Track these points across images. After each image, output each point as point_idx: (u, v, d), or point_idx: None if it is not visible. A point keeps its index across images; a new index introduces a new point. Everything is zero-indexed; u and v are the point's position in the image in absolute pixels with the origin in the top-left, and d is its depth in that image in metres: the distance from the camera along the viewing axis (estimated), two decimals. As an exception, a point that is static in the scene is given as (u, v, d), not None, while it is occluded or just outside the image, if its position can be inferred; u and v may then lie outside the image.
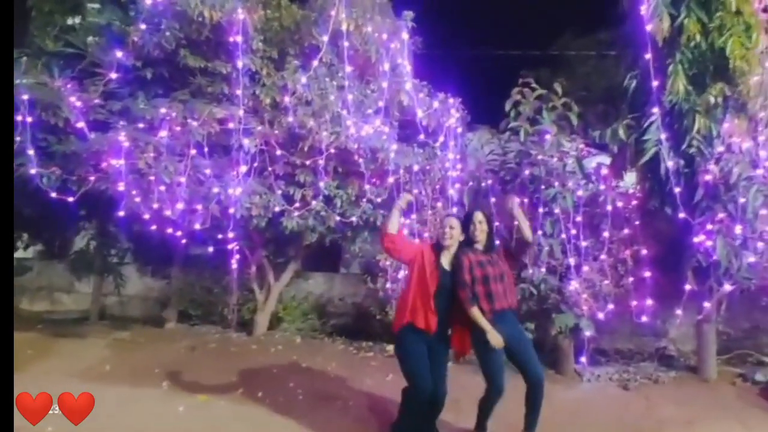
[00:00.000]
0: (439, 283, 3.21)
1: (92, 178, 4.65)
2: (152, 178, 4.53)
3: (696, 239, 4.52)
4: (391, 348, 5.49)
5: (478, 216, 3.38)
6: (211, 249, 5.11)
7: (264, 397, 4.07)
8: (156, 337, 5.75)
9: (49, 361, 4.90)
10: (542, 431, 3.60)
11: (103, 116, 4.96)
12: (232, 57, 4.97)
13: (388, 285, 5.55)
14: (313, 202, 5.00)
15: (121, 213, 4.55)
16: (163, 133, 4.63)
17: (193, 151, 4.57)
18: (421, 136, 5.48)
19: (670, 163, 4.57)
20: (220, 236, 4.98)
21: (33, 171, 4.42)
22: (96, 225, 5.90)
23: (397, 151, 5.17)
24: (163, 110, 4.73)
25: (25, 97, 4.33)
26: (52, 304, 6.47)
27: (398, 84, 5.54)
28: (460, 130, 5.79)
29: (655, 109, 4.63)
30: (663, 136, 4.62)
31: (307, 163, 4.94)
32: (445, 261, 3.31)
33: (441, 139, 5.43)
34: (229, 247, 5.04)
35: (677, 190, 4.52)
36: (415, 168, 5.36)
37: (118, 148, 4.60)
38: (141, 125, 4.76)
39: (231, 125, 4.85)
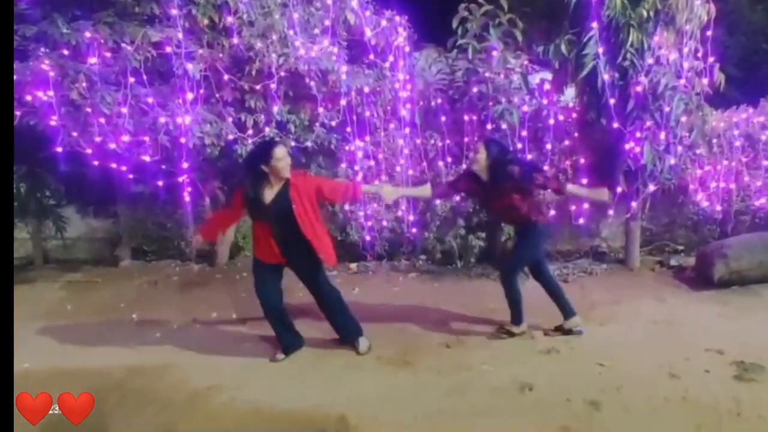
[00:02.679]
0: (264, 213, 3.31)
1: (18, 113, 4.24)
2: (89, 110, 4.21)
3: (627, 146, 4.97)
4: (353, 265, 5.78)
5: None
6: (160, 183, 4.93)
7: (239, 318, 4.23)
8: (113, 275, 5.63)
9: (0, 309, 4.71)
10: (493, 321, 4.11)
11: (17, 42, 4.42)
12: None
13: (346, 207, 5.68)
14: (267, 129, 4.90)
15: (59, 149, 4.25)
16: (93, 60, 4.25)
17: (131, 79, 4.24)
18: (371, 56, 5.41)
19: (606, 76, 4.88)
20: (169, 168, 4.80)
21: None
22: (25, 165, 5.44)
23: (347, 73, 5.09)
24: (88, 34, 4.29)
25: None
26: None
27: (343, 1, 5.34)
28: (408, 49, 5.74)
29: (594, 24, 4.84)
30: (600, 50, 4.88)
31: (257, 87, 4.76)
32: (270, 194, 3.29)
33: (391, 59, 5.37)
34: (180, 179, 4.90)
35: (612, 101, 4.88)
36: (366, 89, 5.33)
37: (43, 78, 4.19)
38: (65, 51, 4.32)
39: (168, 49, 4.52)
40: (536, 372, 3.26)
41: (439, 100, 5.74)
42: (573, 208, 5.42)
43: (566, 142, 5.52)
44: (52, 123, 4.23)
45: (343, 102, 5.13)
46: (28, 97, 4.26)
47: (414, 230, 5.67)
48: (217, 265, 5.86)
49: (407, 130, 5.56)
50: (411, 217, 5.63)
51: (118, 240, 6.06)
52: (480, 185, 3.73)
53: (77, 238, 6.23)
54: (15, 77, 4.25)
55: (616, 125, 4.92)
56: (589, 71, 4.97)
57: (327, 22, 5.08)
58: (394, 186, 3.68)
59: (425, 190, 3.99)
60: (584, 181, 5.30)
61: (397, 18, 5.65)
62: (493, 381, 3.18)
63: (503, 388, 3.09)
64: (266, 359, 3.56)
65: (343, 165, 5.61)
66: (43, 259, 6.00)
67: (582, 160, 5.36)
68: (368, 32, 5.33)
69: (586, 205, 5.35)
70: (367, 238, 5.64)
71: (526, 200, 3.63)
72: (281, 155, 3.25)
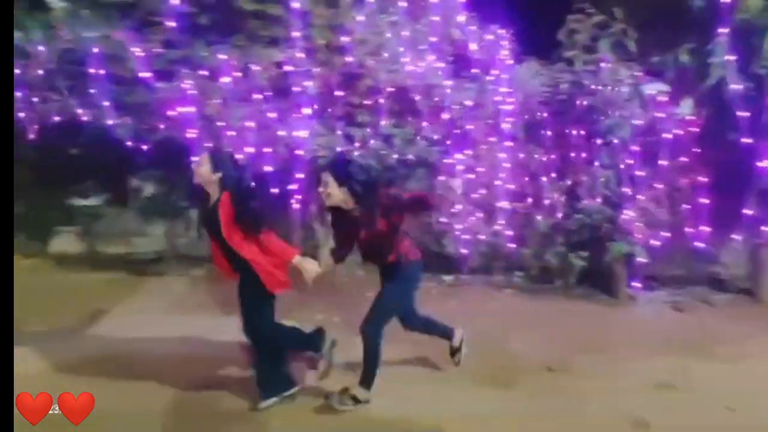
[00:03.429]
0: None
1: (163, 127, 4.89)
2: (221, 124, 4.74)
3: (760, 164, 4.51)
4: (448, 278, 5.82)
5: None
6: (276, 191, 5.37)
7: (345, 322, 4.42)
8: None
9: (139, 296, 5.40)
10: (598, 348, 3.91)
11: (163, 65, 5.10)
12: (284, -2, 4.99)
13: (442, 219, 5.74)
14: (372, 142, 5.14)
15: (195, 159, 4.82)
16: (227, 79, 4.79)
17: (259, 96, 4.71)
18: (474, 71, 5.47)
19: (736, 86, 4.48)
20: (283, 178, 5.23)
21: (110, 122, 4.68)
22: (163, 171, 6.25)
23: (451, 87, 5.19)
24: (224, 56, 4.84)
25: (95, 50, 4.53)
26: (126, 247, 6.96)
27: (449, 17, 5.46)
28: (511, 62, 5.71)
29: (724, 29, 4.47)
30: (730, 58, 4.49)
31: (366, 103, 5.04)
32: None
33: (497, 72, 5.38)
34: (290, 187, 5.32)
35: (742, 114, 4.47)
36: (469, 103, 5.37)
37: (185, 96, 4.81)
38: (204, 72, 4.91)
39: (288, 68, 4.96)
40: (650, 407, 3.03)
41: (543, 114, 5.62)
42: (689, 230, 5.01)
43: (683, 158, 5.12)
44: (190, 135, 4.83)
45: (445, 116, 5.23)
46: (172, 112, 4.90)
47: (511, 245, 5.58)
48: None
49: (509, 143, 5.51)
50: (509, 232, 5.56)
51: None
52: (344, 218, 3.01)
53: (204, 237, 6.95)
54: (161, 95, 4.92)
55: (746, 140, 4.49)
56: (715, 81, 4.61)
57: (433, 39, 5.23)
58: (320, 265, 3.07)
59: (328, 263, 3.20)
60: (705, 201, 4.89)
61: (502, 32, 5.66)
62: (600, 411, 3.04)
63: (612, 420, 2.94)
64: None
65: (442, 177, 5.68)
66: (174, 254, 6.78)
67: (701, 178, 4.94)
68: (472, 47, 5.40)
69: (705, 228, 4.92)
70: (463, 251, 5.65)
71: (392, 232, 2.92)
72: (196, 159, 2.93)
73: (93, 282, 5.77)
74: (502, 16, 5.82)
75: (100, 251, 6.95)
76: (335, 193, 2.90)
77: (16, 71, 4.61)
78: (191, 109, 4.69)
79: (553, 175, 5.44)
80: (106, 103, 4.71)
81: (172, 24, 4.82)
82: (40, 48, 4.72)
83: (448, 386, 3.37)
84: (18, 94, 4.68)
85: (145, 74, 4.76)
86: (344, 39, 4.87)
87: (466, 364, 3.61)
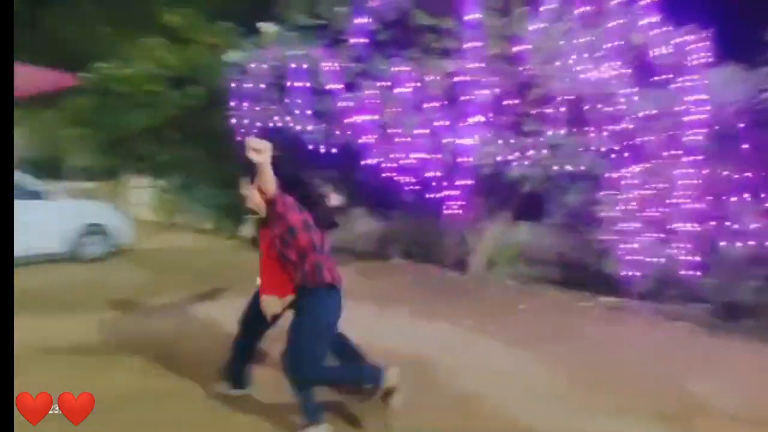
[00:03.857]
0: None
1: (349, 132, 5.49)
2: (394, 130, 5.16)
3: None
4: (608, 300, 5.40)
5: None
6: (435, 195, 5.61)
7: (495, 331, 4.39)
8: (384, 269, 6.65)
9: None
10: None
11: (350, 78, 5.71)
12: (458, 12, 5.22)
13: (602, 236, 5.37)
14: (544, 151, 5.05)
15: (371, 161, 5.33)
16: (403, 90, 5.19)
17: (434, 104, 5.01)
18: (659, 78, 5.03)
19: None
20: (444, 183, 5.45)
21: (309, 128, 5.44)
22: (335, 172, 6.99)
23: (631, 96, 4.85)
24: (402, 68, 5.25)
25: (304, 66, 5.33)
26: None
27: (631, 20, 5.12)
28: (703, 67, 5.12)
29: None
30: None
31: (535, 112, 4.99)
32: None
33: (695, 77, 4.86)
34: (450, 193, 5.51)
35: None
36: (649, 113, 4.95)
37: (364, 105, 5.34)
38: (382, 83, 5.37)
39: (458, 78, 5.16)
40: None
41: (739, 125, 4.92)
42: None
43: None
44: (365, 141, 5.33)
45: (622, 126, 4.91)
46: (351, 120, 5.46)
47: (689, 272, 4.97)
48: (468, 275, 6.31)
49: (692, 157, 4.94)
50: (686, 257, 4.96)
51: (392, 240, 7.17)
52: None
53: (359, 235, 7.63)
54: (345, 104, 5.49)
55: None
56: None
57: (612, 44, 4.95)
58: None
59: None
60: None
61: (694, 34, 5.11)
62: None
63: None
64: (523, 375, 3.51)
65: (607, 192, 5.31)
66: (334, 248, 7.55)
67: None
68: (658, 51, 4.97)
69: None
70: (629, 273, 5.18)
71: (293, 247, 2.34)
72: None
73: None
74: (695, 16, 5.26)
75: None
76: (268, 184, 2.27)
77: (246, 85, 5.60)
78: (371, 117, 5.17)
79: (749, 195, 4.72)
80: (308, 112, 5.47)
81: (359, 40, 5.40)
82: (263, 66, 5.64)
83: (612, 417, 3.05)
84: (244, 104, 5.72)
85: (335, 86, 5.42)
86: (518, 48, 4.89)
87: (631, 395, 3.31)
